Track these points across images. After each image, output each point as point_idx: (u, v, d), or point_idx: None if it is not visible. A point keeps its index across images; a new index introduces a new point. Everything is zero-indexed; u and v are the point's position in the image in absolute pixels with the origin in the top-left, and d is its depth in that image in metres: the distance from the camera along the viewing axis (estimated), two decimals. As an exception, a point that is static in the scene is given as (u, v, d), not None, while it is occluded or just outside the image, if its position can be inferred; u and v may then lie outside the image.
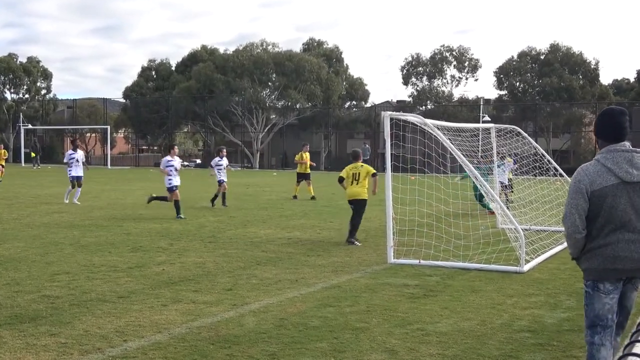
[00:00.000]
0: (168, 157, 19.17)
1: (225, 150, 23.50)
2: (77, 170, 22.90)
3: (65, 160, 23.27)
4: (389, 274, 10.68)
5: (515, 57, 75.19)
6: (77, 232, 15.04)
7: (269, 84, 77.30)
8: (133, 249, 12.66)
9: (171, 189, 18.65)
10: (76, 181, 22.85)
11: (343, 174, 14.39)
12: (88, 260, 11.41)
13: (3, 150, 37.46)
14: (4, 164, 36.11)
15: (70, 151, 23.34)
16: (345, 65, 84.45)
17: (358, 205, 14.11)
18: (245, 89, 73.21)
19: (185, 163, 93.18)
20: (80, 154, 23.15)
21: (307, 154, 26.97)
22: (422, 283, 9.95)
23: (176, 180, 18.78)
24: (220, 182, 22.15)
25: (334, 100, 77.82)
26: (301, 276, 10.29)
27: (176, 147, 19.91)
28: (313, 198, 24.94)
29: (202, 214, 19.60)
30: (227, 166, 22.69)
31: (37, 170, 53.53)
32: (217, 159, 22.71)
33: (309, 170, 26.62)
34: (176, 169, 18.89)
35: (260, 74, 74.53)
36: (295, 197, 25.51)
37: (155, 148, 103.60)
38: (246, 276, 10.21)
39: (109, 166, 63.84)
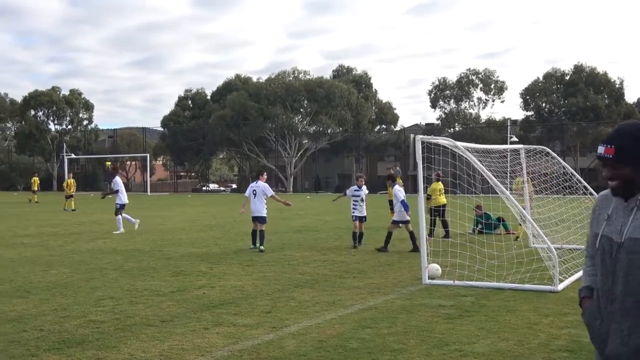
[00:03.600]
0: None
1: (363, 178, 18.04)
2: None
3: (116, 188, 22.19)
4: (424, 294, 10.53)
5: (541, 78, 74.66)
6: (120, 258, 15.13)
7: (301, 110, 77.72)
8: (174, 273, 12.68)
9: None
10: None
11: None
12: (131, 285, 11.44)
13: (72, 180, 36.98)
14: (73, 193, 35.74)
15: (117, 177, 22.60)
16: (374, 90, 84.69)
17: None
18: (278, 115, 73.68)
19: (222, 188, 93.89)
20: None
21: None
22: (458, 303, 9.79)
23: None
24: (356, 219, 17.22)
25: (364, 125, 77.93)
26: (338, 298, 10.19)
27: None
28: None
29: (239, 238, 19.61)
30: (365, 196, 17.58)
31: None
32: (353, 188, 17.51)
33: None
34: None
35: (292, 100, 74.98)
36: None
37: (193, 174, 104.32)
38: (284, 299, 10.14)
39: (148, 192, 64.43)
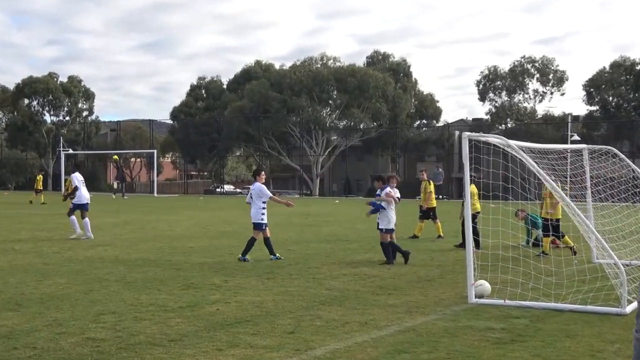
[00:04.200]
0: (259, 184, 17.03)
1: (396, 177, 17.92)
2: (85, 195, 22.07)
3: (75, 185, 22.08)
4: (470, 315, 10.48)
5: (607, 68, 73.96)
6: (123, 268, 15.26)
7: (330, 102, 77.88)
8: (184, 286, 12.76)
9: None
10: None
11: None
12: (135, 298, 11.53)
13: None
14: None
15: (77, 174, 22.35)
16: (413, 80, 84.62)
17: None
18: (304, 107, 73.89)
19: (239, 190, 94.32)
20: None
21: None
22: (509, 326, 9.73)
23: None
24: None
25: (401, 119, 77.89)
26: (371, 317, 10.18)
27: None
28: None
29: (258, 247, 19.66)
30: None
31: (123, 200, 53.90)
32: (388, 188, 16.71)
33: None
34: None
35: (320, 91, 75.14)
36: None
37: (205, 174, 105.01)
38: (309, 317, 10.15)
39: (155, 194, 64.92)
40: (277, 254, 16.88)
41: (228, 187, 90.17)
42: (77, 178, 22.22)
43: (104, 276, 14.00)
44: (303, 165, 75.84)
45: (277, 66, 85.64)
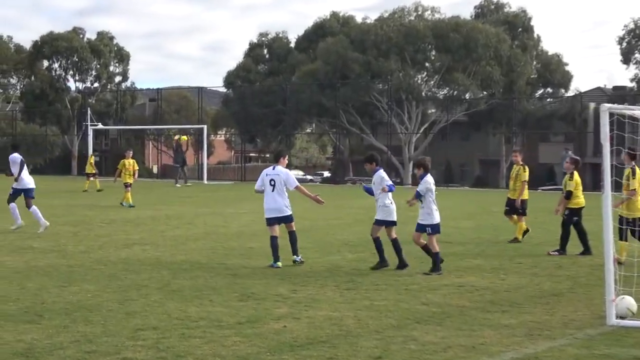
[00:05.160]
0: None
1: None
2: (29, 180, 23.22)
3: (14, 169, 23.25)
4: (609, 341, 10.34)
5: None
6: (167, 272, 15.52)
7: (427, 64, 77.36)
8: (242, 297, 12.90)
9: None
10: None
11: None
12: (182, 311, 11.71)
13: (131, 161, 36.34)
14: (130, 180, 34.97)
15: (16, 154, 23.30)
16: (535, 36, 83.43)
17: None
18: (393, 72, 73.59)
19: (309, 177, 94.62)
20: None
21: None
22: (661, 356, 9.57)
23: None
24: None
25: (519, 87, 76.89)
26: (480, 341, 10.13)
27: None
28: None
29: (335, 249, 19.76)
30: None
31: (184, 187, 54.74)
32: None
33: None
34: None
35: (414, 50, 74.74)
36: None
37: (267, 156, 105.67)
38: (401, 339, 10.16)
39: (205, 180, 65.67)
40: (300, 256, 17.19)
41: (296, 173, 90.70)
42: (16, 160, 23.16)
43: (143, 282, 14.26)
44: (391, 146, 75.45)
45: (358, 19, 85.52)
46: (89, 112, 73.48)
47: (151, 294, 13.06)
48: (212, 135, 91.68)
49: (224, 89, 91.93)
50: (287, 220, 17.13)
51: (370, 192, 16.99)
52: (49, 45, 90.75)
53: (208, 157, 74.56)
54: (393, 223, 16.85)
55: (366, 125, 79.00)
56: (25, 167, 23.35)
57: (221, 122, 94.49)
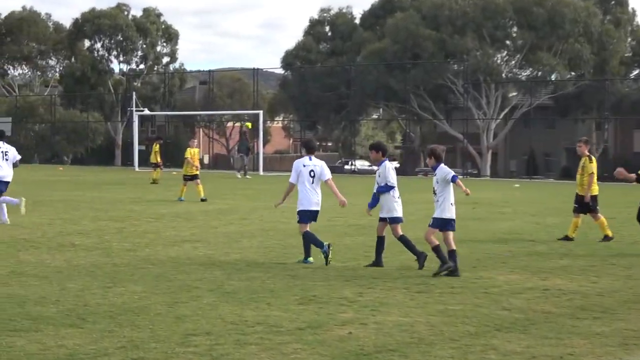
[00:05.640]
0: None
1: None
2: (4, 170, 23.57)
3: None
4: None
5: None
6: (220, 272, 15.60)
7: (507, 42, 76.83)
8: (303, 300, 12.91)
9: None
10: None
11: None
12: (237, 315, 11.76)
13: (196, 150, 36.00)
14: (193, 172, 34.47)
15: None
16: (630, 10, 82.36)
17: None
18: (470, 51, 73.21)
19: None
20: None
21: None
22: None
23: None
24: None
25: (612, 67, 76.03)
26: (568, 351, 10.04)
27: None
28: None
29: (404, 248, 19.67)
30: None
31: (243, 179, 55.00)
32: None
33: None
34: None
35: (494, 27, 74.34)
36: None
37: (330, 144, 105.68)
38: (480, 348, 10.11)
39: (260, 171, 65.90)
40: (311, 258, 17.30)
41: (361, 164, 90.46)
42: None
43: (194, 283, 14.34)
44: (468, 133, 75.15)
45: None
46: (134, 96, 74.00)
47: (203, 296, 13.13)
48: (269, 122, 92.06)
49: (281, 71, 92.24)
50: (316, 217, 17.80)
51: (376, 201, 17.14)
52: (90, 23, 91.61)
53: (264, 145, 74.85)
54: (399, 219, 17.07)
55: (439, 111, 78.72)
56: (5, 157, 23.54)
57: (278, 107, 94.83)
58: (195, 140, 38.32)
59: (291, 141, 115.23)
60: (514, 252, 19.11)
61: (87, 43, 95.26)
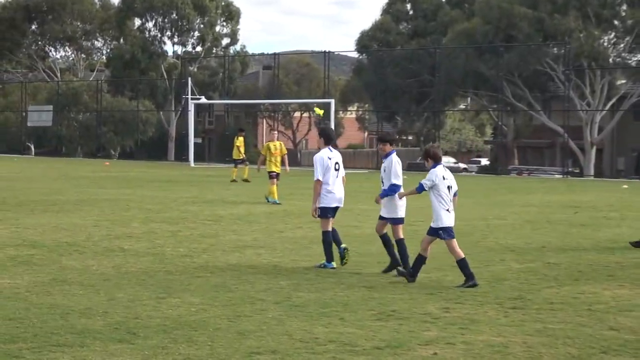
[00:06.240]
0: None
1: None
2: None
3: None
4: None
5: None
6: (286, 283, 15.64)
7: (615, 22, 76.00)
8: (381, 316, 12.90)
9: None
10: None
11: None
12: (306, 330, 11.78)
13: (278, 143, 34.69)
14: (277, 169, 33.61)
15: None
16: None
17: None
18: (572, 32, 72.48)
19: (462, 165, 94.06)
20: None
21: None
22: None
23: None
24: None
25: None
26: (687, 378, 9.93)
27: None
28: None
29: (497, 256, 19.60)
30: None
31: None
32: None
33: None
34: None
35: (600, 5, 73.53)
36: None
37: (410, 138, 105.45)
38: (585, 374, 10.04)
39: (332, 168, 65.82)
40: (334, 263, 17.62)
41: (445, 160, 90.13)
42: None
43: (258, 295, 14.40)
44: (569, 127, 74.35)
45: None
46: (189, 82, 74.10)
47: (268, 310, 13.18)
48: (341, 112, 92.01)
49: (355, 54, 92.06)
50: (335, 213, 18.09)
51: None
52: (141, 1, 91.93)
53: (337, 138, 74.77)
54: (400, 220, 17.16)
55: (536, 101, 78.02)
56: None
57: (352, 96, 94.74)
58: (276, 133, 37.77)
59: (366, 134, 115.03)
60: (622, 264, 18.86)
61: (137, 22, 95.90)
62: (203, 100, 76.54)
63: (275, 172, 33.32)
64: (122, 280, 15.53)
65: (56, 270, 16.43)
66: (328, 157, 17.81)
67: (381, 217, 17.33)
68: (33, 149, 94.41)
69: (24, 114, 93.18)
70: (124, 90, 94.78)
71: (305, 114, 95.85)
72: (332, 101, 71.26)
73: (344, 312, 13.08)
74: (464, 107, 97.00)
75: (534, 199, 36.90)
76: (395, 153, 17.25)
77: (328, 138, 18.30)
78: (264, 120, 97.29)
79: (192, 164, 69.47)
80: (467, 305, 13.91)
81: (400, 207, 17.13)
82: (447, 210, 15.95)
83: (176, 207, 30.56)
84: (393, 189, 16.90)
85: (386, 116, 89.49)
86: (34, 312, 12.51)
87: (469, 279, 15.67)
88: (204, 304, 13.56)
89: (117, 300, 13.69)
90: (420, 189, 16.09)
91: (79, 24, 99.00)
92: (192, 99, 72.80)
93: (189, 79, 75.42)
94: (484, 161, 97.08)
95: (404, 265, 16.77)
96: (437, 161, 16.33)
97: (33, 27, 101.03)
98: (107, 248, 19.85)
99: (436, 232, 16.00)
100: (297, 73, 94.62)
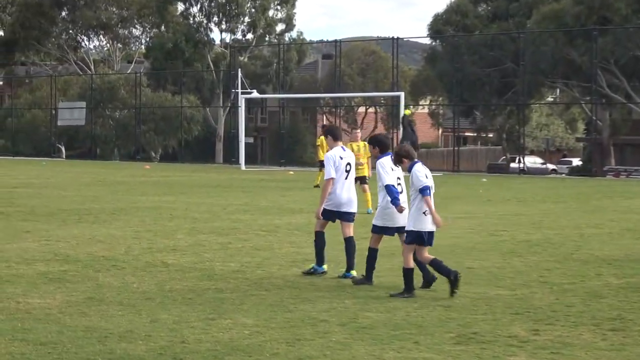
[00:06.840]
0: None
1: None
2: None
3: None
4: None
5: None
6: (352, 301, 15.62)
7: None
8: (460, 339, 12.86)
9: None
10: None
11: None
12: (375, 356, 11.77)
13: (362, 143, 33.64)
14: (366, 172, 33.34)
15: None
16: None
17: None
18: (676, 12, 71.97)
19: (551, 166, 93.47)
20: None
21: None
22: None
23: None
24: None
25: None
26: None
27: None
28: None
29: (593, 271, 19.47)
30: None
31: None
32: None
33: None
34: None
35: None
36: None
37: (491, 136, 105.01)
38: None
39: (402, 170, 65.79)
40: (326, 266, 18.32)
41: (531, 161, 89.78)
42: None
43: (320, 315, 14.39)
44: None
45: None
46: (239, 74, 74.02)
47: (332, 332, 13.17)
48: (412, 106, 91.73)
49: (428, 41, 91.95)
50: (350, 218, 18.50)
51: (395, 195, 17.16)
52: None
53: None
54: (396, 230, 17.27)
55: (636, 91, 77.49)
56: None
57: (424, 88, 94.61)
58: (359, 131, 36.71)
59: (440, 131, 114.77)
60: None
61: (180, 7, 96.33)
62: (255, 94, 76.45)
63: (364, 176, 32.57)
64: (166, 300, 15.59)
65: (92, 289, 16.52)
66: (340, 157, 18.15)
67: (373, 228, 17.57)
68: (64, 151, 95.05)
69: (53, 111, 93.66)
70: (166, 84, 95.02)
71: (371, 109, 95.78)
72: (402, 94, 70.77)
73: (418, 335, 13.05)
74: (552, 99, 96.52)
75: (634, 205, 36.59)
76: (385, 157, 17.23)
77: (335, 135, 18.82)
78: (324, 117, 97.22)
79: (242, 166, 69.66)
80: (559, 326, 13.83)
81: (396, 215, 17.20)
82: (424, 213, 16.33)
83: (226, 216, 30.66)
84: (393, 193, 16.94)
85: (463, 111, 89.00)
86: (68, 336, 12.56)
87: (406, 291, 16.23)
88: (259, 325, 13.58)
89: (161, 322, 13.73)
90: (427, 192, 16.37)
91: (114, 9, 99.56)
92: (242, 93, 72.71)
93: (239, 70, 75.26)
94: (576, 161, 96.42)
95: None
96: (412, 159, 16.52)
97: (63, 13, 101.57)
98: (148, 263, 19.93)
99: (420, 237, 16.37)
100: (361, 62, 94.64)
